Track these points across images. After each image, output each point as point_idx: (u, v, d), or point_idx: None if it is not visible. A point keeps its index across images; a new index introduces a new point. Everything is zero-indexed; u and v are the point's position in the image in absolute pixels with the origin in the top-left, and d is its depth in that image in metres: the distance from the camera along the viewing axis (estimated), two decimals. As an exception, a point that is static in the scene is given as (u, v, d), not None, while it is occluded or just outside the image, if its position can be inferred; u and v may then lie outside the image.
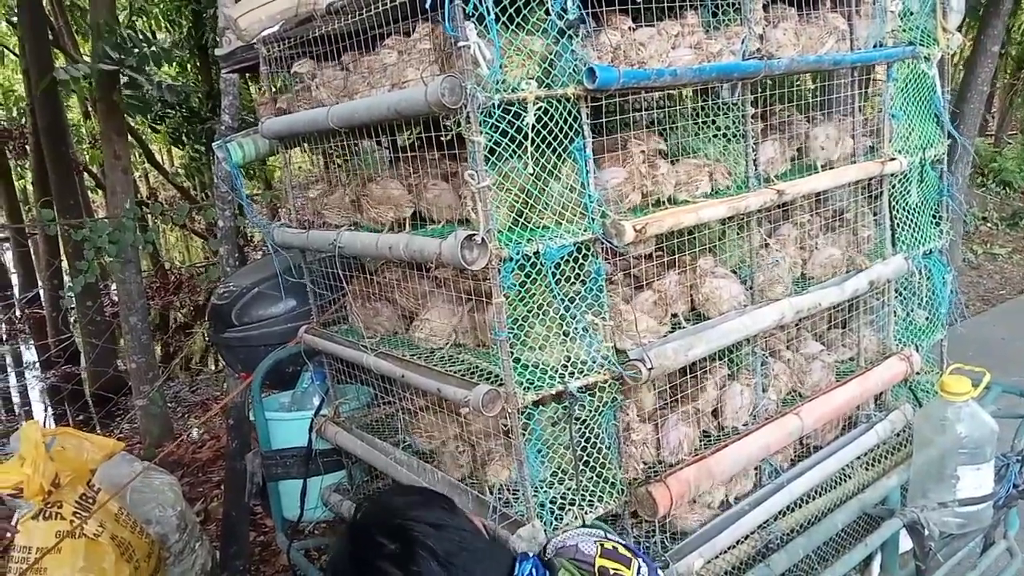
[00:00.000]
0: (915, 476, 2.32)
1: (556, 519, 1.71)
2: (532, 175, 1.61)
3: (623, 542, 1.46)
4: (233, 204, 3.42)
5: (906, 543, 2.33)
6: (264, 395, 2.58)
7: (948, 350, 2.70)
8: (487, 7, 1.42)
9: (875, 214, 2.33)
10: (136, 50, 4.55)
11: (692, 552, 1.88)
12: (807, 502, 2.19)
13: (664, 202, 1.85)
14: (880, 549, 2.28)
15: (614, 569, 1.34)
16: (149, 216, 8.53)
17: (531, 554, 1.36)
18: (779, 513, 2.11)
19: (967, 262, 7.69)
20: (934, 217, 2.50)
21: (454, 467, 1.95)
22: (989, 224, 9.16)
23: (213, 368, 7.48)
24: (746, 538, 2.03)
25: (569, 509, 1.74)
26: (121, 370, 6.44)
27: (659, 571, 1.42)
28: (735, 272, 2.06)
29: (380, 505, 1.35)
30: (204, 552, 3.60)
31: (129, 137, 7.89)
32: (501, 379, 1.63)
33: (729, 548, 1.98)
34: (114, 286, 5.88)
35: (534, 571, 1.30)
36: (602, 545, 1.40)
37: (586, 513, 1.74)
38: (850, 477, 2.31)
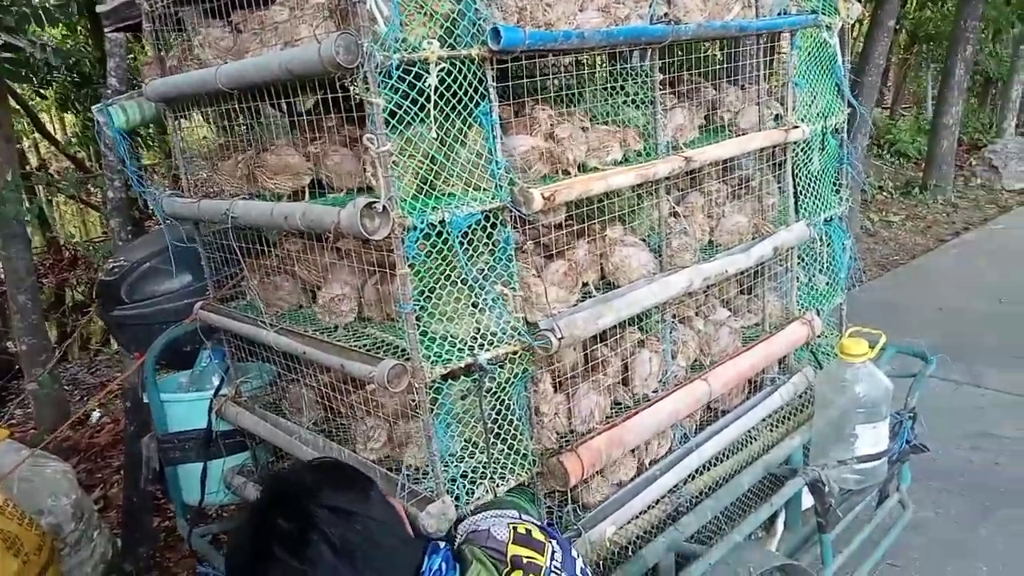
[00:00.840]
0: (816, 436, 2.41)
1: (467, 493, 1.68)
2: (436, 140, 1.55)
3: (537, 523, 1.41)
4: (123, 174, 3.20)
5: (808, 500, 2.41)
6: (160, 375, 2.44)
7: (847, 313, 2.80)
8: (383, -40, 1.34)
9: (779, 182, 2.37)
10: (14, 8, 4.19)
11: (604, 519, 1.89)
12: (715, 465, 2.24)
13: (573, 170, 1.81)
14: (784, 507, 2.35)
15: (527, 557, 1.27)
16: (38, 188, 8.00)
17: (442, 545, 1.28)
18: (689, 477, 2.14)
19: (864, 229, 8.05)
20: (834, 185, 2.57)
21: (365, 447, 1.89)
22: (884, 193, 9.60)
23: (113, 349, 7.12)
24: (657, 503, 2.05)
25: (480, 483, 1.71)
26: (12, 352, 6.04)
27: (573, 550, 1.37)
28: (645, 240, 2.06)
29: (289, 482, 1.25)
30: (104, 541, 3.43)
31: (13, 103, 7.34)
32: (408, 353, 1.58)
33: (641, 513, 2.00)
34: (1, 264, 5.50)
35: (443, 565, 1.23)
36: (515, 530, 1.34)
37: (497, 486, 1.71)
38: (755, 439, 2.37)
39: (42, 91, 7.36)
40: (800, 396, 2.52)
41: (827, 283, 2.64)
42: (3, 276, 5.54)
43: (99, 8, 2.36)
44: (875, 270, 6.98)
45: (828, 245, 2.56)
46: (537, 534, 1.34)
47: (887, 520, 2.70)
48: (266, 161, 1.78)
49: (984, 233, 7.95)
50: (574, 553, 1.36)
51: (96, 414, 5.31)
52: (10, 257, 4.42)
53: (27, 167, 9.45)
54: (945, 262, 7.10)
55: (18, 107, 8.21)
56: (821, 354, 2.66)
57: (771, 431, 2.44)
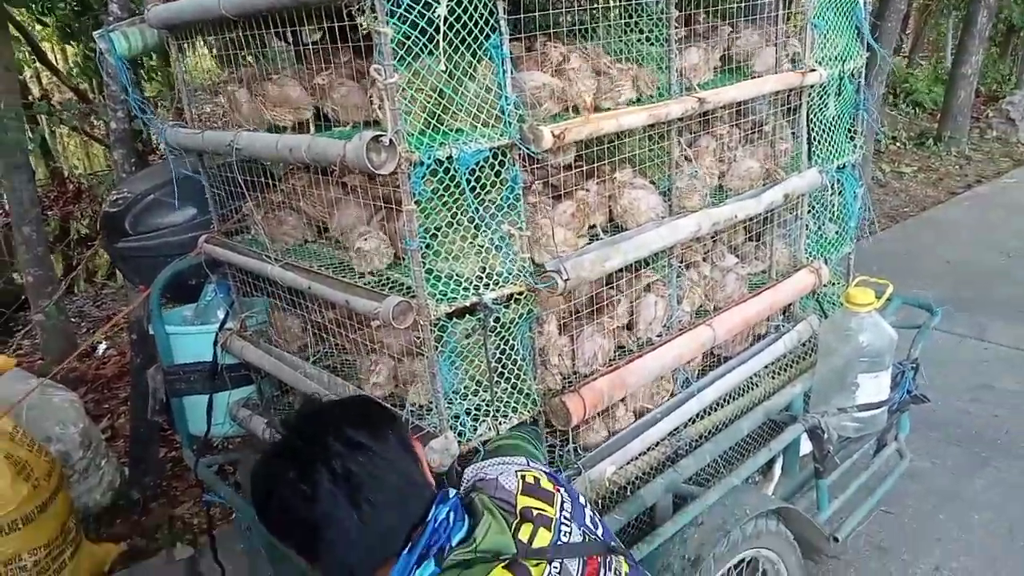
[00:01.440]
0: (818, 383, 2.42)
1: (470, 430, 1.70)
2: (445, 73, 1.51)
3: (545, 470, 1.40)
4: (126, 105, 3.15)
5: (806, 446, 2.44)
6: (165, 309, 2.45)
7: (855, 263, 2.78)
8: None
9: (792, 127, 2.32)
10: (11, -71, 4.08)
11: (604, 459, 1.91)
12: (716, 410, 2.25)
13: (583, 104, 1.77)
14: (782, 452, 2.37)
15: (537, 509, 1.25)
16: (40, 117, 7.90)
17: (451, 494, 1.25)
18: (689, 420, 2.16)
19: (875, 180, 7.95)
20: (849, 131, 2.52)
21: (368, 382, 1.89)
22: (898, 143, 9.45)
23: (119, 282, 7.14)
24: (657, 445, 2.07)
25: (483, 420, 1.72)
26: (18, 283, 6.06)
27: (581, 497, 1.36)
28: (654, 183, 2.03)
29: (315, 411, 1.29)
30: (111, 469, 3.51)
31: (14, 31, 7.20)
32: (413, 291, 1.57)
33: (640, 455, 2.02)
34: (5, 195, 5.46)
35: (451, 515, 1.20)
36: (523, 478, 1.32)
37: (500, 424, 1.73)
38: (757, 385, 2.38)
39: (43, 18, 7.21)
40: (804, 344, 2.52)
41: (836, 232, 2.62)
42: (8, 207, 5.52)
43: (100, -71, 2.29)
44: (885, 221, 6.92)
45: (840, 193, 2.52)
46: (546, 483, 1.33)
47: (884, 468, 2.74)
48: (267, 91, 1.74)
49: (996, 187, 7.85)
50: (582, 500, 1.35)
51: (103, 346, 5.36)
52: (14, 188, 4.40)
53: (29, 97, 9.31)
54: (956, 215, 7.03)
55: (18, 35, 8.06)
56: (827, 303, 2.65)
57: (773, 378, 2.44)
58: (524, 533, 1.21)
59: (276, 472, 1.18)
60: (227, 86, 1.97)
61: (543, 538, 1.21)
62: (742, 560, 2.06)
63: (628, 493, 1.97)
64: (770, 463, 2.42)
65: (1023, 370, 4.12)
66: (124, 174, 3.19)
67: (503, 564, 1.15)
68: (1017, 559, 2.79)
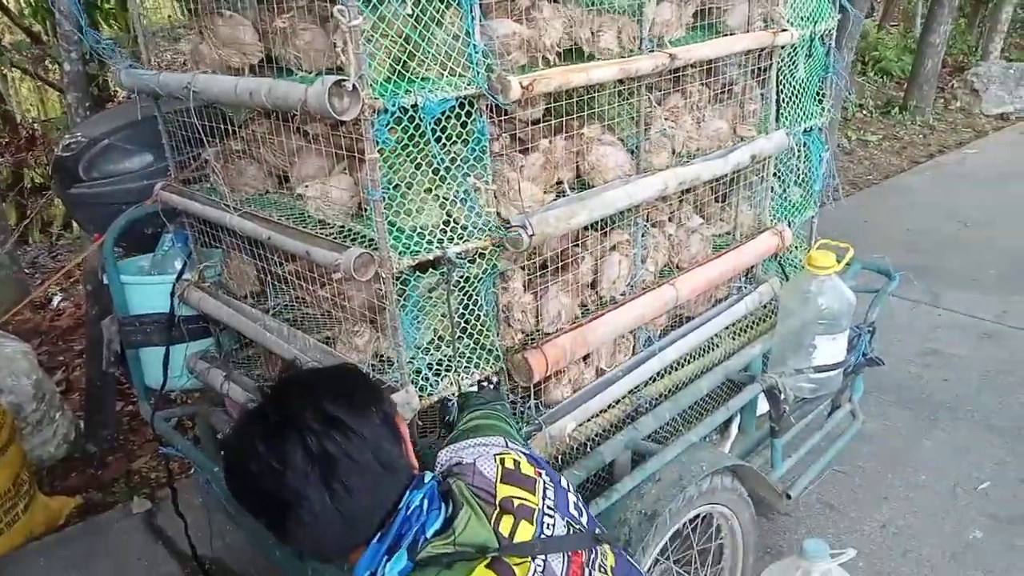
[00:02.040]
0: (777, 345, 2.45)
1: (431, 385, 1.69)
2: (412, 18, 1.47)
3: (525, 451, 1.32)
4: (81, 45, 3.02)
5: (763, 406, 2.48)
6: (121, 258, 2.39)
7: (817, 228, 2.81)
8: None
9: (761, 88, 2.32)
10: None
11: (564, 416, 1.92)
12: (676, 369, 2.28)
13: (551, 55, 1.74)
14: (740, 412, 2.41)
15: (519, 499, 1.17)
16: (-13, 59, 7.57)
17: (427, 479, 1.18)
18: (650, 379, 2.18)
19: (841, 147, 8.02)
20: (818, 94, 2.52)
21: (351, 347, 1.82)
22: (864, 111, 9.52)
23: (75, 233, 6.95)
24: (617, 403, 2.09)
25: (445, 375, 1.71)
26: (-33, 232, 5.87)
27: (563, 480, 1.29)
28: (622, 141, 2.01)
29: (292, 379, 1.23)
30: (66, 422, 3.45)
31: (-41, -35, 6.85)
32: (376, 243, 1.54)
33: (601, 412, 2.04)
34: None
35: (425, 503, 1.12)
36: (502, 463, 1.22)
37: (462, 379, 1.72)
38: (718, 346, 2.41)
39: (-9, -46, 6.86)
40: (765, 306, 2.55)
41: (801, 195, 2.63)
42: (-44, 152, 5.32)
43: None
44: (848, 188, 6.99)
45: (805, 156, 2.53)
46: (526, 466, 1.25)
47: (837, 429, 2.80)
48: (217, 28, 1.67)
49: (958, 157, 7.97)
50: (564, 484, 1.28)
51: (57, 298, 5.23)
52: (-39, 131, 4.22)
53: (-23, 38, 8.92)
54: (917, 184, 7.13)
55: (-34, -29, 7.68)
56: (789, 266, 2.68)
57: (733, 339, 2.47)
58: (505, 526, 1.13)
59: (248, 444, 1.11)
60: (187, 31, 1.90)
61: (525, 531, 1.14)
62: (697, 515, 2.10)
63: (588, 450, 1.99)
64: (727, 422, 2.46)
65: (973, 336, 4.23)
66: (78, 118, 3.07)
67: (485, 563, 1.08)
68: (959, 516, 2.89)
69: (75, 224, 7.10)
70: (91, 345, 3.36)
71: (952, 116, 9.59)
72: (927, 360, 4.00)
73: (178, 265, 2.25)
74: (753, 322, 2.54)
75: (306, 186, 1.66)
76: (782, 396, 2.35)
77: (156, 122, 2.11)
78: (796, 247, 2.72)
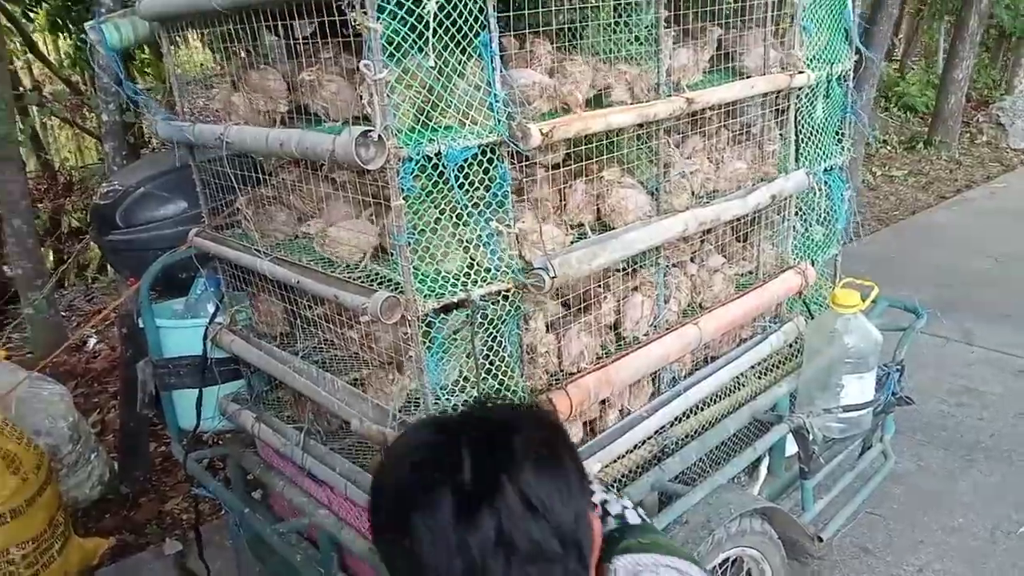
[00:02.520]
0: (803, 384, 2.44)
1: (456, 427, 1.70)
2: (435, 70, 1.52)
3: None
4: (118, 97, 3.14)
5: (792, 447, 2.46)
6: (156, 302, 2.45)
7: (842, 266, 2.80)
8: None
9: (780, 128, 2.34)
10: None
11: (590, 457, 1.92)
12: (702, 409, 2.27)
13: (578, 109, 1.79)
14: (768, 452, 2.39)
15: None
16: (31, 108, 7.86)
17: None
18: (675, 419, 2.17)
19: (865, 183, 7.99)
20: (837, 134, 2.54)
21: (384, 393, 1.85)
22: (889, 147, 9.50)
23: (110, 276, 7.11)
24: (643, 443, 2.09)
25: (469, 417, 1.73)
26: (8, 276, 6.03)
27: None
28: (642, 183, 2.04)
29: (494, 429, 0.96)
30: (100, 463, 3.51)
31: (5, 22, 7.15)
32: (401, 286, 1.58)
33: (626, 453, 2.04)
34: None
35: None
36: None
37: (486, 420, 1.73)
38: (743, 385, 2.40)
39: (32, 9, 7.17)
40: (790, 345, 2.54)
41: (824, 234, 2.64)
42: (-2, 200, 5.50)
43: (92, -79, 2.29)
44: (874, 224, 6.96)
45: (827, 195, 2.54)
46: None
47: (869, 469, 2.76)
48: (249, 77, 1.75)
49: (986, 192, 7.90)
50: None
51: (92, 340, 5.34)
52: (4, 180, 4.38)
53: (20, 88, 9.26)
54: (945, 219, 7.07)
55: (10, 26, 8.01)
56: (813, 304, 2.67)
57: (759, 378, 2.46)
58: None
59: (425, 490, 0.90)
60: (219, 79, 1.98)
61: None
62: (727, 559, 2.07)
63: (614, 490, 1.98)
64: (756, 463, 2.44)
65: (1008, 373, 4.15)
66: (115, 167, 3.18)
67: None
68: (999, 561, 2.82)
69: (110, 268, 7.28)
70: (125, 387, 3.43)
71: (978, 150, 9.53)
72: (960, 398, 3.93)
73: (211, 309, 2.30)
74: (779, 361, 2.53)
75: (308, 225, 1.71)
76: (810, 436, 2.33)
77: (190, 170, 2.19)
78: (821, 285, 2.71)
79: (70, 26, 6.84)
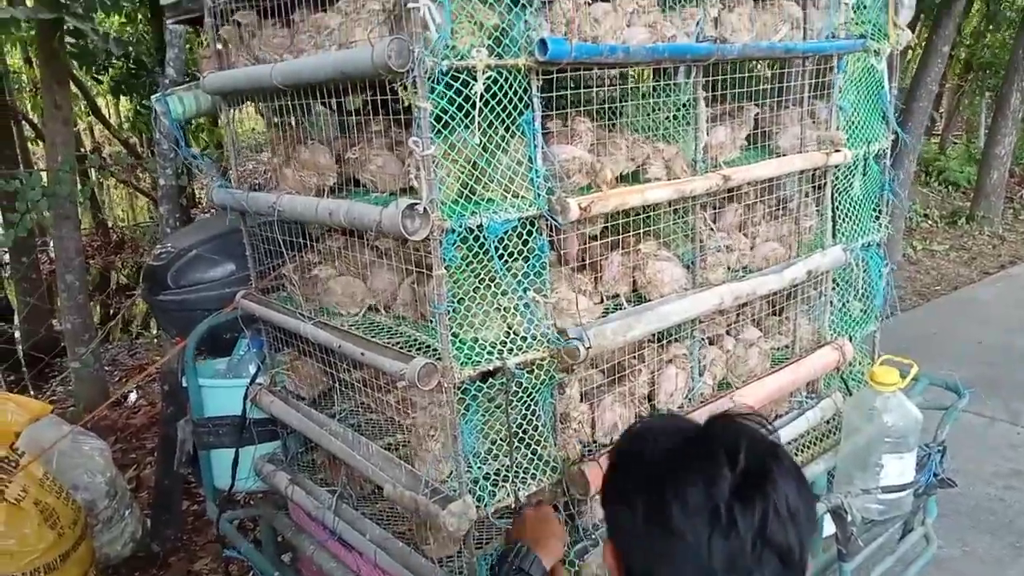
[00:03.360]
0: (841, 463, 2.39)
1: (489, 495, 1.71)
2: (479, 146, 1.59)
3: None
4: (175, 163, 3.30)
5: (830, 527, 2.39)
6: (199, 361, 2.52)
7: (882, 341, 2.77)
8: (438, -30, 1.38)
9: (817, 204, 2.37)
10: (82, -4, 4.34)
11: (622, 530, 1.89)
12: (738, 485, 2.23)
13: (607, 187, 1.84)
14: (805, 532, 2.33)
15: None
16: (91, 170, 8.22)
17: None
18: (710, 494, 2.14)
19: (906, 257, 7.91)
20: (875, 211, 2.55)
21: (420, 453, 1.90)
22: (930, 221, 9.42)
23: (153, 332, 7.29)
24: (676, 518, 2.05)
25: (502, 486, 1.74)
26: (57, 330, 6.23)
27: None
28: (678, 256, 2.07)
29: (767, 440, 1.02)
30: (134, 520, 3.53)
31: (73, 86, 7.55)
32: (439, 353, 1.61)
33: (659, 527, 2.01)
34: (51, 242, 5.69)
35: None
36: None
37: (519, 490, 1.74)
38: (780, 461, 2.36)
39: (99, 76, 7.56)
40: (828, 422, 2.50)
41: (862, 309, 2.62)
42: (53, 254, 5.72)
43: (163, 1, 2.45)
44: (915, 299, 6.85)
45: (865, 271, 2.54)
46: None
47: (910, 553, 2.66)
48: (299, 154, 1.84)
49: (1031, 268, 7.76)
50: None
51: (133, 396, 5.45)
52: (61, 237, 4.57)
53: (81, 149, 9.72)
54: (988, 295, 6.94)
55: (76, 90, 8.45)
56: (852, 381, 2.63)
57: (796, 455, 2.42)
58: None
59: (705, 462, 0.95)
60: (271, 148, 2.08)
61: None
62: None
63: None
64: (792, 542, 2.37)
65: (1059, 457, 4.01)
66: (169, 229, 3.31)
67: None
68: (1052, 656, 2.68)
69: (154, 324, 7.46)
70: (163, 444, 3.48)
71: (1023, 226, 9.39)
72: (1008, 481, 3.80)
73: (252, 369, 2.36)
74: (816, 438, 2.49)
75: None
76: (849, 517, 2.27)
77: (239, 234, 2.28)
78: (859, 361, 2.68)
79: (132, 91, 7.19)
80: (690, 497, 0.94)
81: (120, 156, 9.53)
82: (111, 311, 7.99)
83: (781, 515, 0.93)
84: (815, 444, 2.47)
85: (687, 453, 0.99)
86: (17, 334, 6.85)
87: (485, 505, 1.69)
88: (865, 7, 2.25)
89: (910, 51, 9.80)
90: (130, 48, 6.16)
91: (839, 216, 2.38)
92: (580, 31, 1.64)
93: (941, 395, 2.86)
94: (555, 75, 1.68)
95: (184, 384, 2.38)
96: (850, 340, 2.51)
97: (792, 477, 0.97)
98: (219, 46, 2.02)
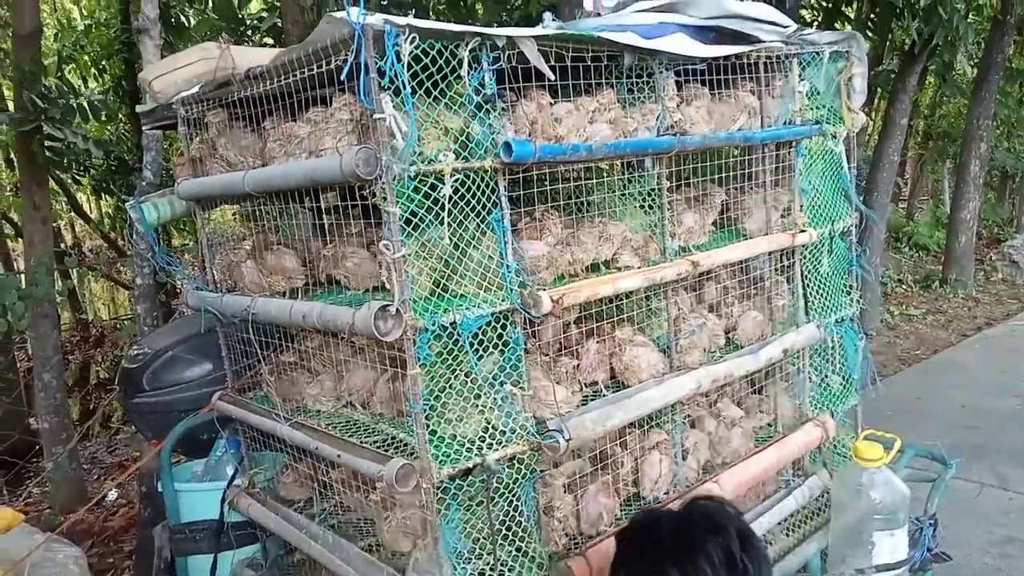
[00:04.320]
0: (833, 542, 2.36)
1: (472, 597, 1.67)
2: (450, 244, 1.62)
3: None
4: (152, 262, 3.32)
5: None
6: (176, 463, 2.47)
7: (866, 410, 2.77)
8: (403, 80, 1.43)
9: (788, 283, 2.41)
10: (62, 101, 4.44)
11: (612, 626, 1.84)
12: (728, 570, 2.19)
13: (583, 271, 1.87)
14: (801, 617, 2.28)
15: None
16: (71, 269, 8.22)
17: None
18: (700, 582, 2.09)
19: (884, 323, 7.99)
20: (845, 286, 2.60)
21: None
22: (904, 286, 9.57)
23: (133, 428, 7.16)
24: (667, 609, 2.00)
25: (486, 586, 1.69)
26: (34, 430, 6.09)
27: None
28: (655, 340, 2.08)
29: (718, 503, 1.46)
30: (108, 630, 3.39)
31: (54, 185, 7.62)
32: (416, 452, 1.60)
33: (650, 620, 1.96)
34: (30, 342, 5.65)
35: None
36: None
37: (503, 590, 1.70)
38: (771, 544, 2.33)
39: (79, 176, 7.66)
40: (816, 500, 2.48)
41: (841, 384, 2.64)
42: (31, 353, 5.66)
43: (139, 108, 2.51)
44: (896, 364, 6.89)
45: (840, 346, 2.56)
46: None
47: (910, 632, 2.60)
48: (265, 260, 1.86)
49: (1006, 329, 7.85)
50: None
51: (113, 494, 5.30)
52: (39, 336, 4.53)
53: (62, 244, 9.73)
54: (967, 358, 7.00)
55: (57, 188, 8.52)
56: (836, 456, 2.63)
57: (787, 535, 2.39)
58: None
59: (700, 543, 1.34)
60: (240, 252, 2.10)
61: None
62: None
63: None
64: (789, 628, 2.32)
65: (1052, 521, 3.97)
66: (146, 327, 3.30)
67: None
68: None
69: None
70: (140, 549, 3.37)
71: (995, 288, 9.55)
72: (1004, 549, 3.74)
73: (230, 471, 2.32)
74: (806, 517, 2.46)
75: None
76: (844, 598, 2.23)
77: (215, 334, 2.27)
78: (843, 435, 2.68)
79: (113, 189, 7.27)
80: (715, 556, 1.31)
81: (101, 251, 9.55)
82: (91, 407, 7.86)
83: (766, 558, 1.38)
84: (805, 523, 2.44)
85: (696, 527, 1.38)
86: (-9, 436, 6.70)
87: (469, 608, 1.64)
88: (819, 94, 2.35)
89: (870, 124, 10.15)
90: (110, 148, 6.27)
91: (810, 294, 2.42)
92: (543, 131, 1.70)
93: (928, 465, 2.85)
94: (521, 174, 1.73)
95: (160, 489, 2.33)
96: (832, 415, 2.51)
97: (752, 530, 1.41)
98: (192, 154, 2.06)
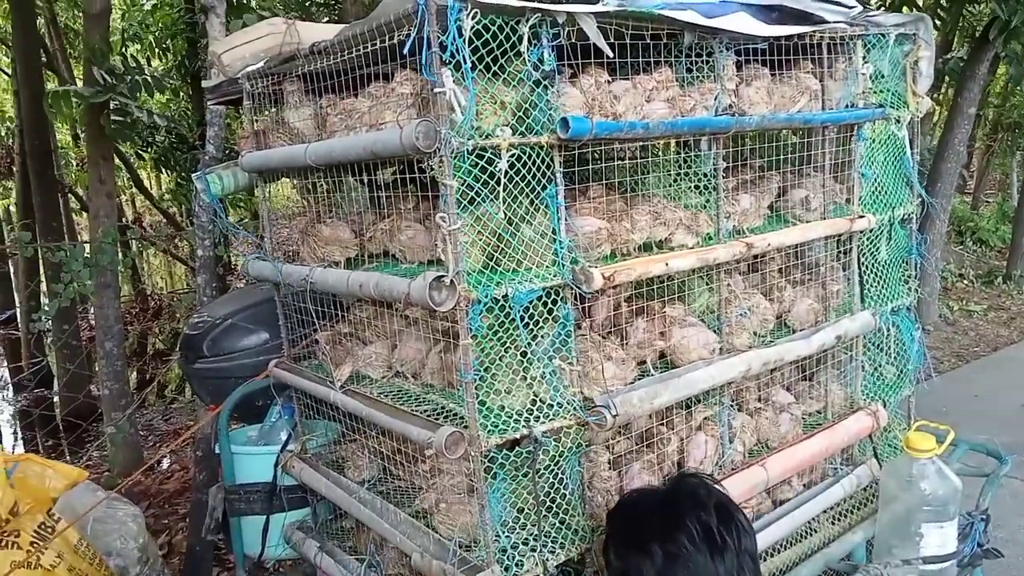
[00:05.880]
0: (880, 532, 2.33)
1: (516, 565, 1.70)
2: (504, 220, 1.64)
3: None
4: (213, 234, 3.42)
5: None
6: (232, 428, 2.56)
7: (920, 405, 2.72)
8: (464, 55, 1.45)
9: (845, 269, 2.37)
10: (128, 77, 4.58)
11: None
12: (772, 555, 2.19)
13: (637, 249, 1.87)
14: (844, 605, 2.27)
15: None
16: (132, 241, 8.51)
17: None
18: (743, 565, 2.09)
19: (943, 318, 7.78)
20: (903, 274, 2.54)
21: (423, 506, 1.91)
22: (965, 281, 9.29)
23: (188, 396, 7.39)
24: (709, 590, 2.01)
25: (530, 555, 1.72)
26: (95, 395, 6.35)
27: None
28: (704, 321, 2.08)
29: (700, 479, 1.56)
30: (164, 587, 3.53)
31: (117, 160, 7.88)
32: (466, 421, 1.63)
33: (691, 600, 1.97)
34: (92, 309, 5.88)
35: None
36: None
37: (547, 560, 1.73)
38: (816, 531, 2.31)
39: (142, 152, 7.89)
40: (864, 489, 2.45)
41: (895, 374, 2.59)
42: (93, 322, 5.89)
43: (204, 83, 2.58)
44: (954, 360, 6.72)
45: (896, 335, 2.52)
46: None
47: (957, 628, 2.55)
48: (320, 231, 1.91)
49: (1072, 327, 7.58)
50: None
51: (167, 461, 5.50)
52: (101, 305, 4.71)
53: (123, 219, 10.06)
54: (1029, 356, 6.78)
55: (120, 164, 8.81)
56: (887, 447, 2.58)
57: (832, 524, 2.37)
58: None
59: (680, 520, 1.43)
60: (299, 222, 2.15)
61: None
62: None
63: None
64: (831, 615, 2.31)
65: (1112, 525, 3.84)
66: (206, 298, 3.41)
67: None
68: None
69: (188, 389, 7.58)
70: (195, 510, 3.50)
71: (1061, 285, 9.21)
72: (1059, 551, 3.64)
73: (283, 436, 2.39)
74: (853, 506, 2.43)
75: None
76: (889, 589, 2.20)
77: (273, 303, 2.34)
78: (894, 427, 2.63)
79: (173, 165, 7.48)
80: (696, 532, 1.40)
81: (160, 226, 9.85)
82: (148, 376, 8.14)
83: (747, 531, 1.47)
84: (852, 513, 2.41)
85: (679, 504, 1.47)
86: (56, 399, 7.00)
87: (512, 575, 1.67)
88: (883, 77, 2.29)
89: (935, 113, 9.83)
90: (172, 124, 6.44)
91: (867, 281, 2.38)
92: (601, 108, 1.70)
93: (984, 460, 2.78)
94: (577, 150, 1.74)
95: (217, 451, 2.41)
96: (884, 405, 2.47)
97: (735, 504, 1.51)
98: (256, 127, 2.12)
